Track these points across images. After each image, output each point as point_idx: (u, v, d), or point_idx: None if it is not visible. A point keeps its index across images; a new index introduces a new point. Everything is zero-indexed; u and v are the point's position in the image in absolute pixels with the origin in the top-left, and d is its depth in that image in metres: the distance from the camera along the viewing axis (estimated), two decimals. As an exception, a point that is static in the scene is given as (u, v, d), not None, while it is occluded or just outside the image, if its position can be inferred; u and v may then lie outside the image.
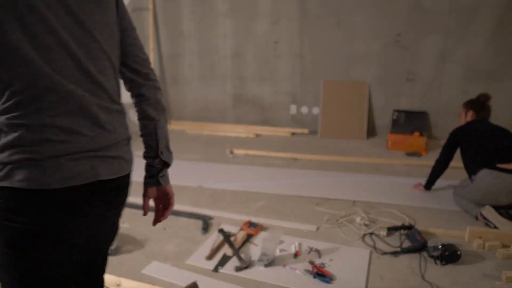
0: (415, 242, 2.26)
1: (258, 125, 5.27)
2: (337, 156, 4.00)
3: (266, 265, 2.12)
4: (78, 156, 0.94)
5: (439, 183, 3.19)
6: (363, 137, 4.69)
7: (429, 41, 4.39)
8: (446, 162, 2.97)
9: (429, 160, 3.81)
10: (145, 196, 1.27)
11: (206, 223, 2.61)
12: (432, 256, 2.15)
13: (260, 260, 2.13)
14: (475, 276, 2.04)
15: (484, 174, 2.66)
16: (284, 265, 2.14)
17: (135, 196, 3.40)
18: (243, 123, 5.34)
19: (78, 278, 1.14)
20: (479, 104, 2.96)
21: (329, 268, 2.10)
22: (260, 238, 2.42)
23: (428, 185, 3.09)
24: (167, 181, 1.25)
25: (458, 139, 2.93)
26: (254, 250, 2.30)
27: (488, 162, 2.68)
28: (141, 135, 1.22)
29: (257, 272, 2.09)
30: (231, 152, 4.20)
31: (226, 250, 2.26)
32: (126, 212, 2.96)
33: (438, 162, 3.01)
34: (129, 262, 2.21)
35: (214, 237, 2.44)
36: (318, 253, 2.25)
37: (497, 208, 2.57)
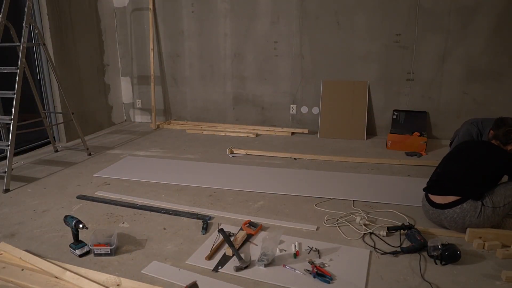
0: (415, 242, 2.26)
1: (258, 125, 5.27)
2: (337, 156, 4.00)
3: (266, 265, 2.12)
4: None
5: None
6: (363, 137, 4.70)
7: (429, 41, 4.39)
8: None
9: (429, 160, 3.82)
10: None
11: (206, 223, 2.61)
12: (432, 256, 2.15)
13: (260, 260, 2.13)
14: (475, 276, 2.04)
15: (423, 196, 2.67)
16: (284, 265, 2.14)
17: (134, 195, 3.40)
18: (243, 123, 5.35)
19: None
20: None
21: (329, 268, 2.11)
22: (260, 238, 2.42)
23: None
24: None
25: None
26: (254, 250, 2.30)
27: (427, 186, 2.61)
28: None
29: (257, 272, 2.09)
30: (231, 152, 4.20)
31: (226, 250, 2.26)
32: (126, 212, 2.98)
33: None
34: (129, 262, 2.22)
35: (214, 237, 2.44)
36: (318, 253, 2.25)
37: None
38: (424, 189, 2.63)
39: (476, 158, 2.50)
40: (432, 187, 2.56)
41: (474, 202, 2.33)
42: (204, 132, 5.10)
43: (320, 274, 2.03)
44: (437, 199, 2.48)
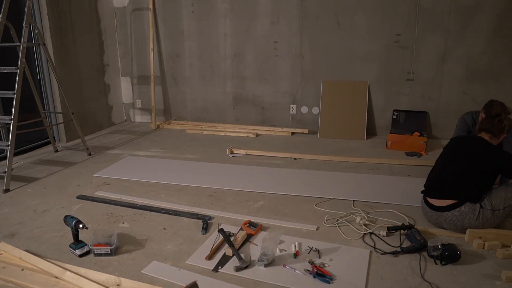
0: (415, 242, 2.26)
1: (258, 125, 5.27)
2: (337, 156, 4.00)
3: (266, 265, 2.12)
4: None
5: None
6: (363, 137, 4.70)
7: (429, 41, 4.39)
8: None
9: (429, 160, 3.82)
10: None
11: (206, 223, 2.61)
12: (432, 256, 2.15)
13: (260, 260, 2.13)
14: (475, 276, 2.04)
15: (421, 199, 2.66)
16: (284, 265, 2.14)
17: (134, 195, 3.39)
18: (243, 123, 5.35)
19: None
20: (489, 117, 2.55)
21: (329, 268, 2.11)
22: (260, 238, 2.42)
23: None
24: None
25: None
26: (254, 250, 2.30)
27: (425, 189, 2.60)
28: None
29: (257, 272, 2.09)
30: (231, 152, 4.20)
31: (226, 250, 2.26)
32: (126, 212, 2.98)
33: None
34: (129, 262, 2.22)
35: (214, 237, 2.44)
36: (318, 253, 2.25)
37: None
38: (422, 192, 2.63)
39: (470, 159, 2.46)
40: (429, 191, 2.55)
41: (472, 205, 2.32)
42: (204, 132, 5.10)
43: (320, 274, 2.03)
44: (436, 202, 2.47)
